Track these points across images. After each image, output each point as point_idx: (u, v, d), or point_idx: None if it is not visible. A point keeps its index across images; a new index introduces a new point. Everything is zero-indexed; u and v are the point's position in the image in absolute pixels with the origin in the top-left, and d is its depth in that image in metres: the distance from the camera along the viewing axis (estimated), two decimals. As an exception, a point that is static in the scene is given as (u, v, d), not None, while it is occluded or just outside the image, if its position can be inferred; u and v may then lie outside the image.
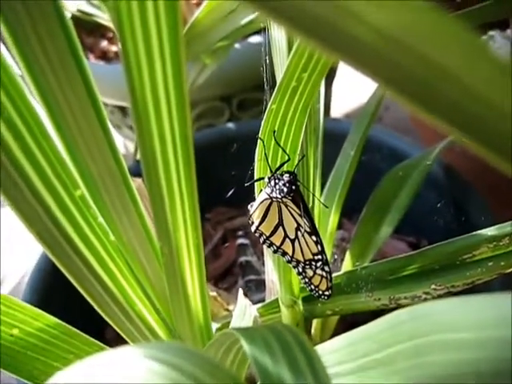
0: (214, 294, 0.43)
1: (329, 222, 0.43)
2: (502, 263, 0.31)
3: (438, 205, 0.54)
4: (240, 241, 0.59)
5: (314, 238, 0.30)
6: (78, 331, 0.28)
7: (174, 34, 0.16)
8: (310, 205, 0.34)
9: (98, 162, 0.19)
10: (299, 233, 0.30)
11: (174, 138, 0.17)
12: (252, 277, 0.56)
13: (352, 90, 0.88)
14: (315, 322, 0.43)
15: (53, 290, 0.45)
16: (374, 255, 0.45)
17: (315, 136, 0.35)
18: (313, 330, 0.43)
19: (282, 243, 0.31)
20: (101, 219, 0.22)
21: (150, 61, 0.16)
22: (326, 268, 0.32)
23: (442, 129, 0.11)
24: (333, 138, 0.45)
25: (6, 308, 0.26)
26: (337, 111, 0.95)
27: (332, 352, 0.22)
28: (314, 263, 0.31)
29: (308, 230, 0.30)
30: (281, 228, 0.30)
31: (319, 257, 0.31)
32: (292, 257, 0.31)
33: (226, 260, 0.59)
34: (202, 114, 0.67)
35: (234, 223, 0.62)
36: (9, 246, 0.77)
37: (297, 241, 0.30)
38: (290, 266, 0.32)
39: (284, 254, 0.31)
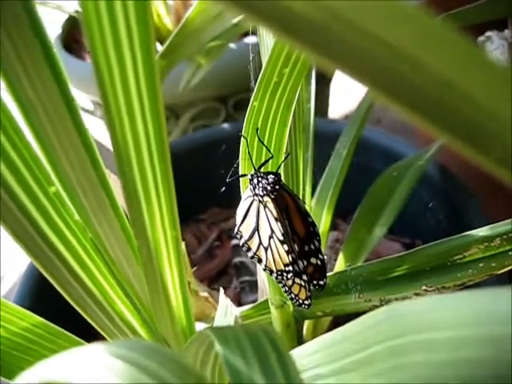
0: (206, 294, 0.42)
1: (321, 222, 0.43)
2: (493, 264, 0.31)
3: (434, 206, 0.54)
4: (235, 241, 0.59)
5: (285, 247, 0.29)
6: (63, 330, 0.28)
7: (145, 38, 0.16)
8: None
9: (72, 161, 0.19)
10: (272, 241, 0.29)
11: (148, 132, 0.17)
12: (246, 278, 0.56)
13: (352, 90, 0.88)
14: (307, 323, 0.43)
15: (46, 293, 0.45)
16: (369, 256, 0.44)
17: (305, 136, 0.35)
18: (304, 331, 0.42)
19: (256, 250, 0.30)
20: (77, 217, 0.22)
21: (121, 62, 0.16)
22: (304, 277, 0.31)
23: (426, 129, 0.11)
24: (326, 138, 0.45)
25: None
26: (336, 112, 0.95)
27: (312, 353, 0.21)
28: (285, 274, 0.30)
29: (281, 238, 0.29)
30: (256, 234, 0.30)
31: (290, 268, 0.30)
32: (266, 265, 0.31)
33: (221, 260, 0.59)
34: (198, 115, 0.67)
35: (228, 224, 0.62)
36: (10, 246, 0.76)
37: (269, 249, 0.30)
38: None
39: (260, 260, 0.31)
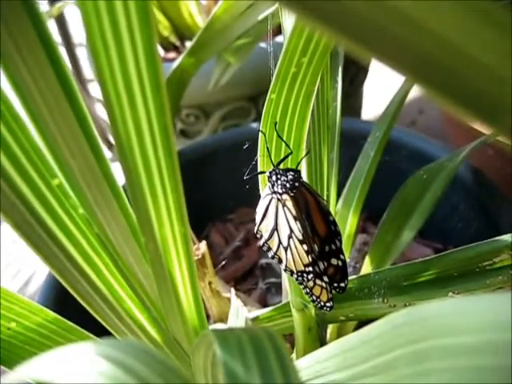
0: (228, 295, 0.42)
1: (347, 224, 0.42)
2: (525, 271, 0.29)
3: (468, 210, 0.52)
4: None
5: (305, 247, 0.28)
6: (76, 326, 0.27)
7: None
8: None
9: (75, 154, 0.18)
10: (291, 241, 0.28)
11: (151, 121, 0.16)
12: (272, 279, 0.55)
13: (387, 91, 0.86)
14: (331, 328, 0.42)
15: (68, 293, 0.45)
16: (398, 261, 0.43)
17: (330, 135, 0.34)
18: (328, 336, 0.41)
19: (276, 250, 0.30)
20: (82, 210, 0.21)
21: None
22: (325, 278, 0.30)
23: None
24: (355, 138, 0.44)
25: (4, 301, 0.26)
26: (370, 113, 0.93)
27: (329, 358, 0.21)
28: (305, 275, 0.29)
29: (300, 237, 0.28)
30: (276, 233, 0.29)
31: (310, 269, 0.29)
32: (286, 266, 0.30)
33: (248, 261, 0.58)
34: (228, 114, 0.67)
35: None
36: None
37: (289, 249, 0.29)
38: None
39: (280, 261, 0.30)
